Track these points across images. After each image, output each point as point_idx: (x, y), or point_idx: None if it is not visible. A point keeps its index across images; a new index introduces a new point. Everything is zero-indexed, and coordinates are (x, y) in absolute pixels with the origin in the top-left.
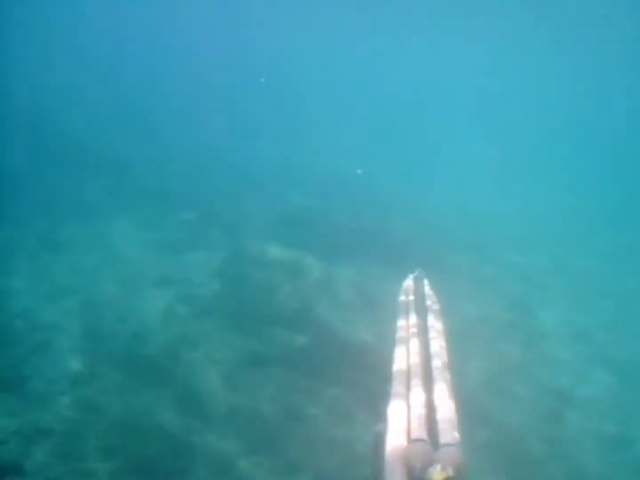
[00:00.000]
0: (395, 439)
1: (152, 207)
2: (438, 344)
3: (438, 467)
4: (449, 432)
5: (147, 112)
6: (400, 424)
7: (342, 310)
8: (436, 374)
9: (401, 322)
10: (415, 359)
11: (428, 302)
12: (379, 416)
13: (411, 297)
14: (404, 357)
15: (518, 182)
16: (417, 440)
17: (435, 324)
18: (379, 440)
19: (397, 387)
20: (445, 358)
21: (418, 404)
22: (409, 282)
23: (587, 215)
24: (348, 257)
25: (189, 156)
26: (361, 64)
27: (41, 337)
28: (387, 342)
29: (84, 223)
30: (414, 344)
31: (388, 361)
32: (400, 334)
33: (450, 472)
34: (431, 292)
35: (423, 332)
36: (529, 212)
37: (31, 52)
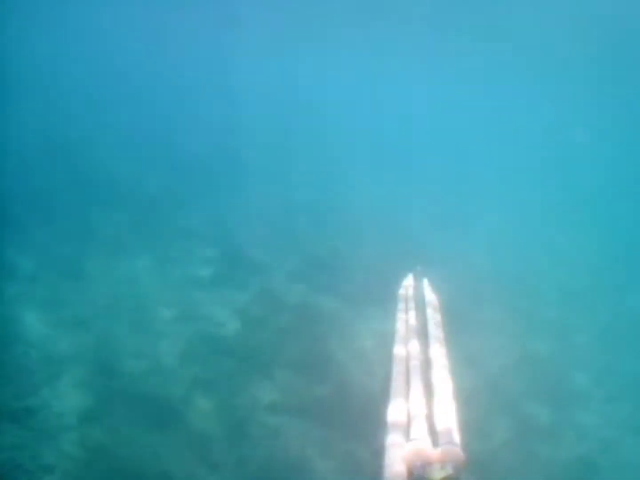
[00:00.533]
0: (394, 439)
1: (178, 243)
2: (438, 344)
3: (438, 466)
4: (449, 432)
5: (178, 146)
6: (400, 424)
7: (364, 359)
8: (436, 373)
9: (400, 322)
10: (415, 359)
11: (428, 301)
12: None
13: (411, 296)
14: (403, 357)
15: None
16: (417, 439)
17: (434, 324)
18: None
19: (396, 387)
20: (445, 358)
21: (418, 403)
22: (408, 280)
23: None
24: (376, 303)
25: (218, 193)
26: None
27: (54, 369)
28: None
29: (107, 255)
30: (413, 344)
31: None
32: (399, 333)
33: (449, 470)
34: (431, 291)
35: (423, 332)
36: (562, 265)
37: (61, 81)
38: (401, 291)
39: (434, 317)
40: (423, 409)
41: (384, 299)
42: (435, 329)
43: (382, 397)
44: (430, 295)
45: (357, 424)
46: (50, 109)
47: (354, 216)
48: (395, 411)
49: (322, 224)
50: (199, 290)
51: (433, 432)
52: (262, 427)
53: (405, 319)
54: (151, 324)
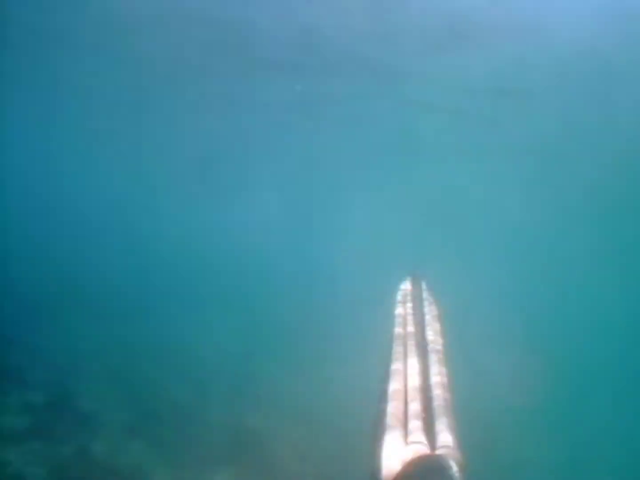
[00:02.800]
0: (392, 443)
1: None
2: (436, 347)
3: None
4: (447, 435)
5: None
6: (398, 428)
7: None
8: (434, 378)
9: (398, 327)
10: (413, 363)
11: (426, 306)
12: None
13: (408, 301)
14: (401, 361)
15: None
16: (415, 443)
17: (433, 327)
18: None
19: (394, 390)
20: (443, 364)
21: (415, 407)
22: (406, 285)
23: None
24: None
25: (51, 330)
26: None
27: None
28: None
29: None
30: (412, 348)
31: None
32: (397, 338)
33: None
34: (430, 296)
35: (421, 336)
36: None
37: None
38: (398, 297)
39: (432, 325)
40: (421, 413)
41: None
42: (434, 337)
43: (379, 401)
44: (429, 301)
45: None
46: None
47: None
48: (392, 415)
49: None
50: (9, 444)
51: (431, 437)
52: None
53: (403, 326)
54: None
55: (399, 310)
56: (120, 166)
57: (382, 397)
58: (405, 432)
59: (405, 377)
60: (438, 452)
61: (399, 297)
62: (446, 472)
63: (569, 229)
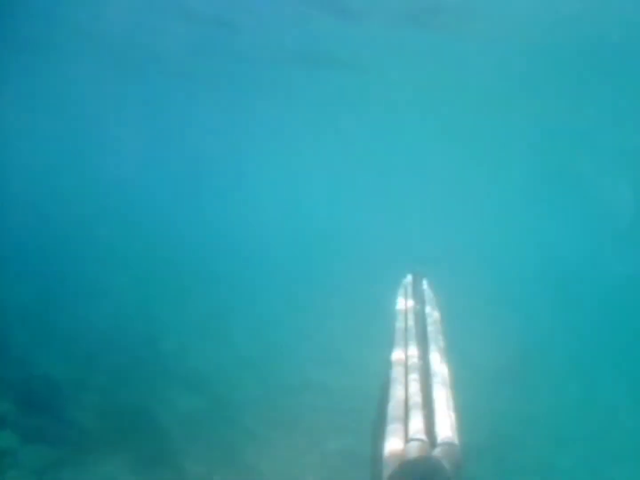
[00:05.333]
0: (393, 439)
1: None
2: (437, 344)
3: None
4: (448, 432)
5: None
6: (399, 424)
7: None
8: (435, 375)
9: (399, 324)
10: (414, 360)
11: (427, 302)
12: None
13: (409, 298)
14: (402, 359)
15: None
16: (415, 439)
17: (434, 325)
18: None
19: (395, 388)
20: (444, 360)
21: (416, 404)
22: (407, 282)
23: None
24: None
25: None
26: None
27: None
28: None
29: None
30: (413, 345)
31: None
32: (398, 336)
33: (448, 470)
34: (430, 292)
35: (422, 333)
36: None
37: None
38: (400, 292)
39: (434, 321)
40: (422, 409)
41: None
42: (435, 333)
43: (380, 398)
44: (430, 297)
45: None
46: None
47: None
48: (394, 412)
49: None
50: None
51: (432, 432)
52: None
53: (404, 321)
54: None
55: (400, 306)
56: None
57: (383, 394)
58: (406, 429)
59: (406, 373)
60: (438, 449)
61: (400, 294)
62: (438, 475)
63: None
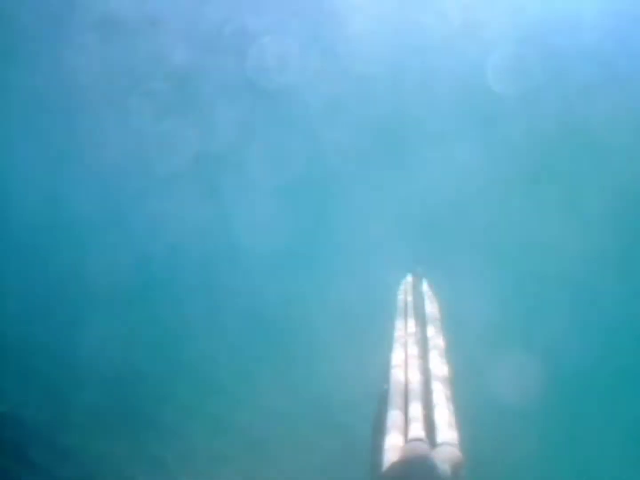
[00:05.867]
0: (393, 439)
1: None
2: (437, 345)
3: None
4: (447, 432)
5: None
6: (399, 424)
7: None
8: (435, 375)
9: (399, 323)
10: (414, 360)
11: (427, 302)
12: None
13: (409, 297)
14: (402, 358)
15: None
16: (415, 439)
17: (434, 325)
18: (383, 399)
19: (395, 388)
20: (444, 358)
21: (416, 404)
22: (407, 281)
23: None
24: None
25: None
26: None
27: None
28: None
29: None
30: (412, 345)
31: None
32: (398, 335)
33: (448, 471)
34: (430, 292)
35: (422, 333)
36: None
37: None
38: (400, 293)
39: (433, 323)
40: (422, 410)
41: None
42: (435, 335)
43: (380, 399)
44: (430, 298)
45: None
46: None
47: None
48: (393, 413)
49: None
50: None
51: (432, 433)
52: None
53: (404, 322)
54: None
55: (399, 305)
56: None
57: (383, 393)
58: (406, 429)
59: (405, 372)
60: (437, 449)
61: (400, 294)
62: (433, 473)
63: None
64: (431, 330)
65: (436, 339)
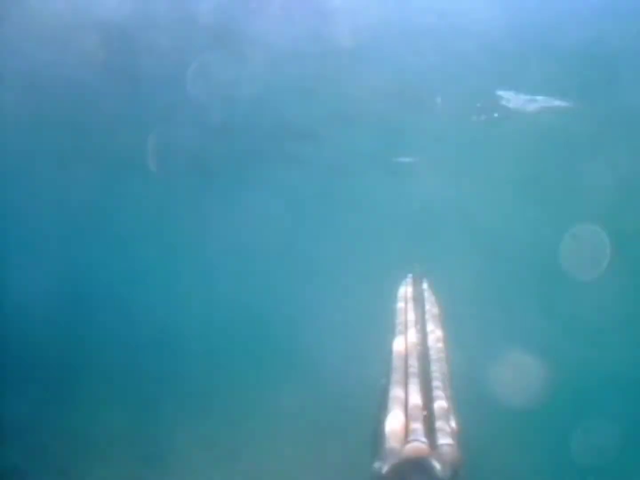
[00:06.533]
0: (393, 439)
1: None
2: (436, 346)
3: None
4: (447, 433)
5: None
6: (398, 423)
7: None
8: (434, 375)
9: (399, 323)
10: (414, 360)
11: (426, 302)
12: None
13: (410, 297)
14: (401, 359)
15: None
16: (414, 440)
17: (433, 326)
18: (382, 392)
19: (395, 388)
20: (443, 360)
21: (416, 405)
22: (408, 281)
23: None
24: None
25: None
26: None
27: None
28: None
29: None
30: (412, 345)
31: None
32: (398, 334)
33: (448, 470)
34: (430, 293)
35: (422, 332)
36: None
37: None
38: (400, 291)
39: (433, 321)
40: (422, 409)
41: None
42: (434, 330)
43: (380, 395)
44: (429, 297)
45: None
46: None
47: None
48: (393, 413)
49: None
50: None
51: (431, 432)
52: None
53: (404, 322)
54: None
55: (400, 306)
56: None
57: (383, 394)
58: (406, 430)
59: (406, 374)
60: (437, 450)
61: (400, 294)
62: (432, 474)
63: None
64: (431, 333)
65: (436, 342)
